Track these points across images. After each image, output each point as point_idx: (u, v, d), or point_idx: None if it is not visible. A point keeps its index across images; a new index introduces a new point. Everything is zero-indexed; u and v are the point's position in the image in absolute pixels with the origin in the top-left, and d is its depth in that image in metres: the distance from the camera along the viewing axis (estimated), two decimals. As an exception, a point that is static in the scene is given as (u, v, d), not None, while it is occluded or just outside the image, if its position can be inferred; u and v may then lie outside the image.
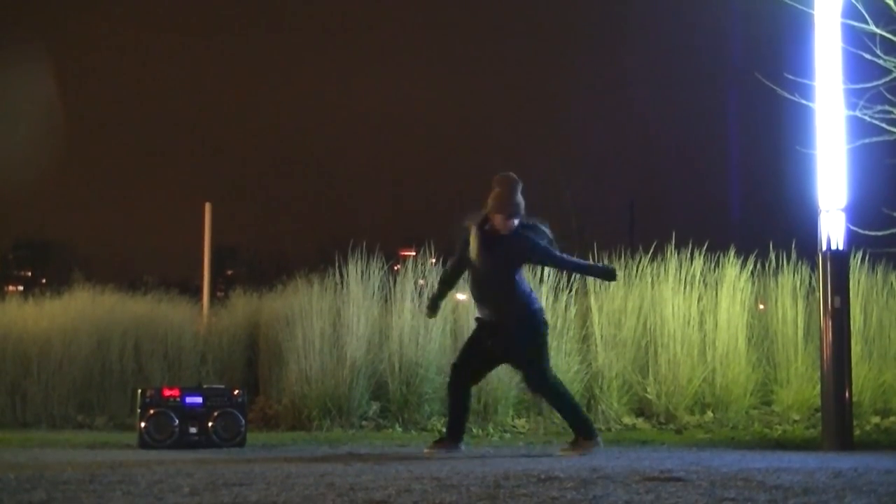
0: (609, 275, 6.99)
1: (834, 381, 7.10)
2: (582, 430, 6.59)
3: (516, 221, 6.48)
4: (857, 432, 7.60)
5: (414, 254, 10.01)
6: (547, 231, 6.61)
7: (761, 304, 10.36)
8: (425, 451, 6.66)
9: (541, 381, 6.60)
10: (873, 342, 9.89)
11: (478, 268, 6.54)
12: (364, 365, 9.28)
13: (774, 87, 7.34)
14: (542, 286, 9.83)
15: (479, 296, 6.61)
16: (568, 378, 9.39)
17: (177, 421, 7.31)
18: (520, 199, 6.49)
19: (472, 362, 6.70)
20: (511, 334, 6.48)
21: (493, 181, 6.55)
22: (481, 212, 6.59)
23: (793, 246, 10.09)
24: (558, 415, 6.71)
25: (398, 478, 4.62)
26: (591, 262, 6.61)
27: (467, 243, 6.63)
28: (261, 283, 12.14)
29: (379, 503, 3.66)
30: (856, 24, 7.10)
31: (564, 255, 6.74)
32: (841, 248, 7.18)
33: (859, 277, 9.93)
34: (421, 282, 9.79)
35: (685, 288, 9.79)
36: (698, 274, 9.88)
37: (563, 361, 9.46)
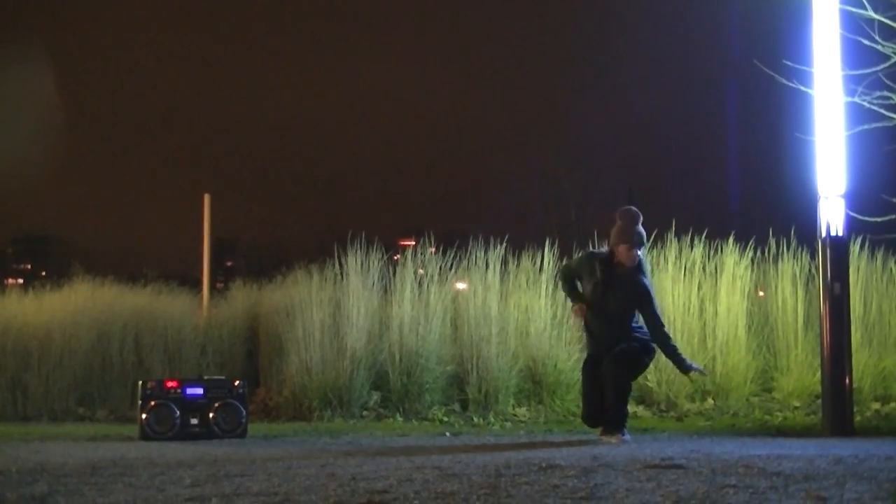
0: (690, 369, 6.82)
1: (834, 368, 7.10)
2: (619, 425, 6.62)
3: (639, 252, 6.63)
4: (857, 419, 7.61)
5: (413, 243, 10.01)
6: (648, 267, 6.83)
7: (761, 291, 10.35)
8: (613, 440, 6.52)
9: (625, 377, 6.62)
10: (873, 329, 9.89)
11: (600, 303, 6.63)
12: (364, 355, 9.28)
13: (773, 74, 7.32)
14: (541, 275, 9.84)
15: (598, 329, 6.68)
16: (569, 367, 9.42)
17: (178, 412, 7.31)
18: (641, 229, 6.65)
19: (599, 399, 6.61)
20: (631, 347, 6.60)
21: (616, 215, 6.71)
22: (605, 247, 6.79)
23: (792, 233, 10.09)
24: (609, 401, 6.69)
25: (399, 467, 4.62)
26: (676, 347, 6.76)
27: (585, 267, 6.74)
28: (260, 275, 12.14)
29: (380, 493, 3.66)
30: (854, 9, 7.08)
31: (658, 317, 6.70)
32: (840, 234, 7.18)
33: (859, 264, 9.92)
34: (420, 271, 9.79)
35: (685, 276, 9.79)
36: (698, 262, 9.87)
37: (563, 351, 9.48)
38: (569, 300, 7.09)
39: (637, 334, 6.66)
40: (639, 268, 6.68)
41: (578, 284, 6.84)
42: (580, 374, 6.95)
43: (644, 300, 6.62)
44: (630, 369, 6.69)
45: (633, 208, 6.75)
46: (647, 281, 6.72)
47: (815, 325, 9.26)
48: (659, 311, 6.76)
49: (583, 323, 6.87)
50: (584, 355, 6.90)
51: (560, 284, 7.06)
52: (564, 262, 6.98)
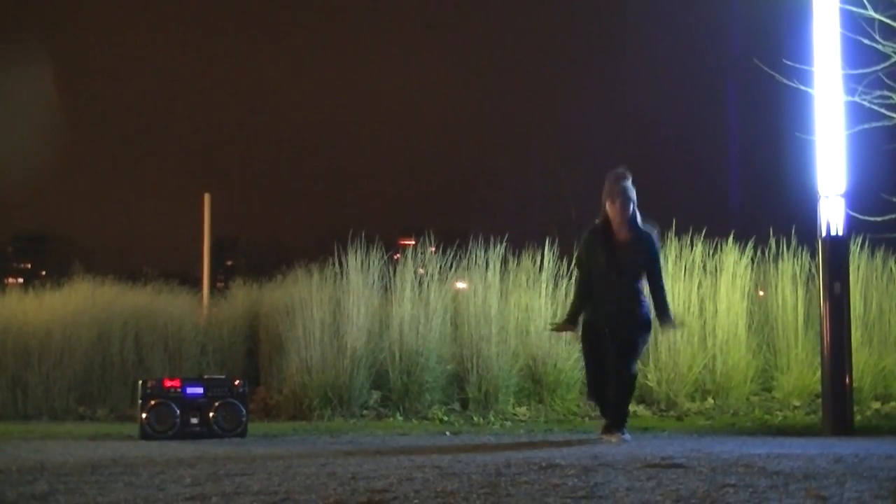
0: (668, 322, 6.81)
1: (834, 367, 7.10)
2: (622, 423, 6.63)
3: (631, 208, 6.56)
4: (857, 418, 7.61)
5: (413, 243, 10.01)
6: (656, 238, 6.75)
7: (761, 290, 10.36)
8: (613, 439, 6.50)
9: (631, 370, 6.60)
10: (873, 328, 9.90)
11: (606, 268, 6.56)
12: (364, 354, 9.28)
13: (773, 74, 7.32)
14: (541, 274, 9.84)
15: (607, 296, 6.57)
16: (569, 366, 9.42)
17: (178, 412, 7.31)
18: (626, 185, 6.58)
19: (602, 371, 6.60)
20: (632, 332, 6.54)
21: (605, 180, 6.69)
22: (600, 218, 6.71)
23: (792, 232, 10.10)
24: (617, 398, 6.59)
25: (399, 466, 4.62)
26: (668, 302, 6.80)
27: (588, 248, 6.70)
28: (261, 274, 12.15)
29: (380, 492, 3.66)
30: (854, 9, 7.07)
31: (662, 275, 6.78)
32: (840, 233, 7.18)
33: (859, 263, 9.93)
34: (420, 270, 9.79)
35: (685, 275, 9.79)
36: (698, 261, 9.87)
37: (563, 350, 9.47)
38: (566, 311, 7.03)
39: (643, 310, 6.59)
40: (643, 235, 6.60)
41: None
42: (581, 344, 6.87)
43: (651, 255, 6.59)
44: (635, 362, 6.63)
45: (619, 169, 6.68)
46: (655, 244, 6.65)
47: (815, 324, 9.27)
48: (662, 273, 6.74)
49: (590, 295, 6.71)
50: (583, 325, 6.76)
51: (575, 293, 6.94)
52: (575, 276, 6.85)
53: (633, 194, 6.60)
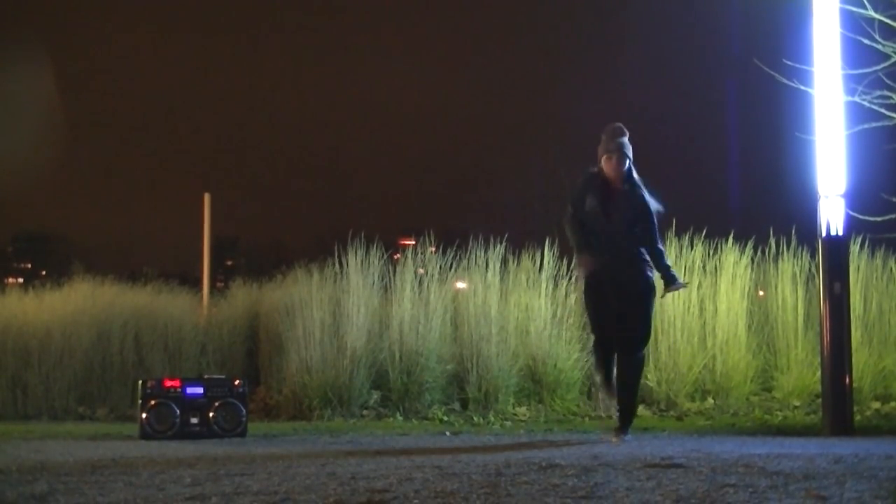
0: (674, 284, 6.68)
1: (834, 367, 7.10)
2: (628, 423, 6.61)
3: (626, 163, 6.44)
4: (857, 418, 7.61)
5: (413, 242, 10.01)
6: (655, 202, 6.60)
7: (761, 290, 10.36)
8: (614, 439, 6.48)
9: (642, 348, 6.55)
10: (873, 328, 9.89)
11: (603, 224, 6.43)
12: (364, 354, 9.28)
13: (773, 73, 7.32)
14: (541, 274, 9.84)
15: (609, 251, 6.43)
16: (569, 366, 9.42)
17: (178, 412, 7.31)
18: (623, 141, 6.46)
19: (610, 327, 6.47)
20: (640, 294, 6.45)
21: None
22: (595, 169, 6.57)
23: (792, 232, 10.10)
24: (625, 394, 6.50)
25: (399, 466, 4.62)
26: (670, 264, 6.69)
27: (583, 191, 6.53)
28: (260, 274, 12.15)
29: (380, 492, 3.66)
30: (854, 9, 7.07)
31: (656, 234, 6.61)
32: (840, 233, 7.17)
33: (859, 263, 9.92)
34: (420, 270, 9.79)
35: (684, 275, 9.78)
36: (698, 261, 9.87)
37: (563, 349, 9.48)
38: (576, 255, 6.78)
39: (644, 267, 6.48)
40: (637, 188, 6.49)
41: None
42: (583, 297, 6.72)
43: (644, 215, 6.46)
44: (642, 349, 6.58)
45: (616, 124, 6.56)
46: (649, 198, 6.51)
47: (815, 324, 9.27)
48: (657, 232, 6.60)
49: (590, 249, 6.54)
50: (584, 278, 6.59)
51: (568, 233, 6.65)
52: (568, 207, 6.58)
53: (630, 150, 6.48)
